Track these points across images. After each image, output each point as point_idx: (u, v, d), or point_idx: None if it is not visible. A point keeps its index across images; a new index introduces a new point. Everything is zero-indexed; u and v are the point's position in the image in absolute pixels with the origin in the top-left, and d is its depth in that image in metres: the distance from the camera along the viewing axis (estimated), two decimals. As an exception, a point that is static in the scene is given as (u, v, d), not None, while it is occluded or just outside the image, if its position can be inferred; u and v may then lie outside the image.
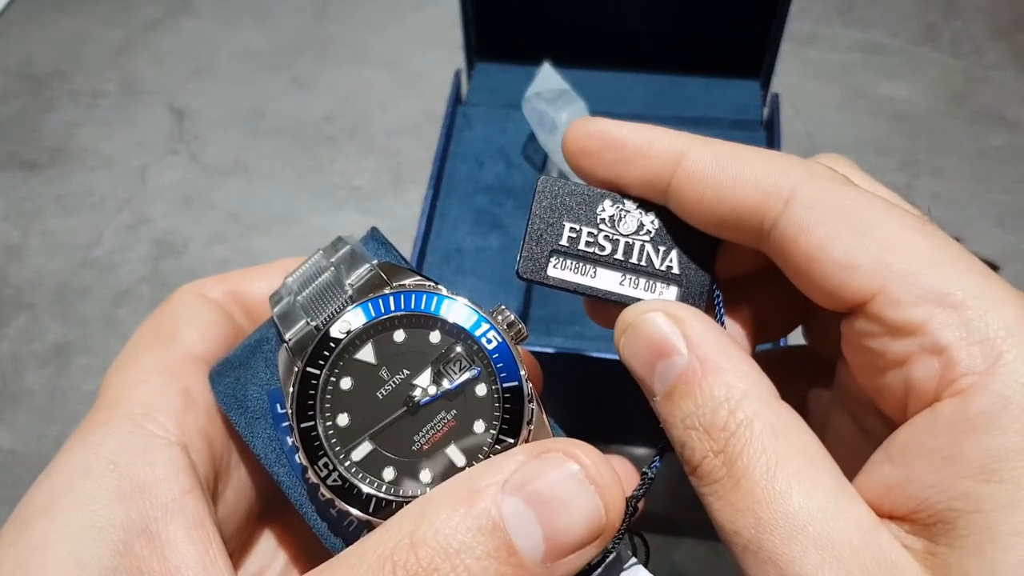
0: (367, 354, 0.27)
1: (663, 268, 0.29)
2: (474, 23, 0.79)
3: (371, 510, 0.26)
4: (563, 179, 0.29)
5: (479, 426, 0.27)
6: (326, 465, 0.26)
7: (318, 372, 0.27)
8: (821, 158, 0.29)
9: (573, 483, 0.24)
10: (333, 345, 0.27)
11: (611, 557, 0.25)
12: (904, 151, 0.98)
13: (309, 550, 0.32)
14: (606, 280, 0.29)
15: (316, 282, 0.29)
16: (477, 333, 0.27)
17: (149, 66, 1.13)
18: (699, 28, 0.80)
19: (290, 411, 0.27)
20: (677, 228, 0.28)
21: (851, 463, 0.24)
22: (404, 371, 0.27)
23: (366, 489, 0.26)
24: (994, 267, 0.82)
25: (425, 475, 0.26)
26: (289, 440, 0.28)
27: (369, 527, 0.26)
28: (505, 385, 0.27)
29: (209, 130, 1.04)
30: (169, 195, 0.97)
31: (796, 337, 0.34)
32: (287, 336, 0.28)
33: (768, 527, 0.22)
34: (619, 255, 0.29)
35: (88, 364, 0.83)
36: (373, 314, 0.27)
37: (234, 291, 0.33)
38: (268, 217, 0.95)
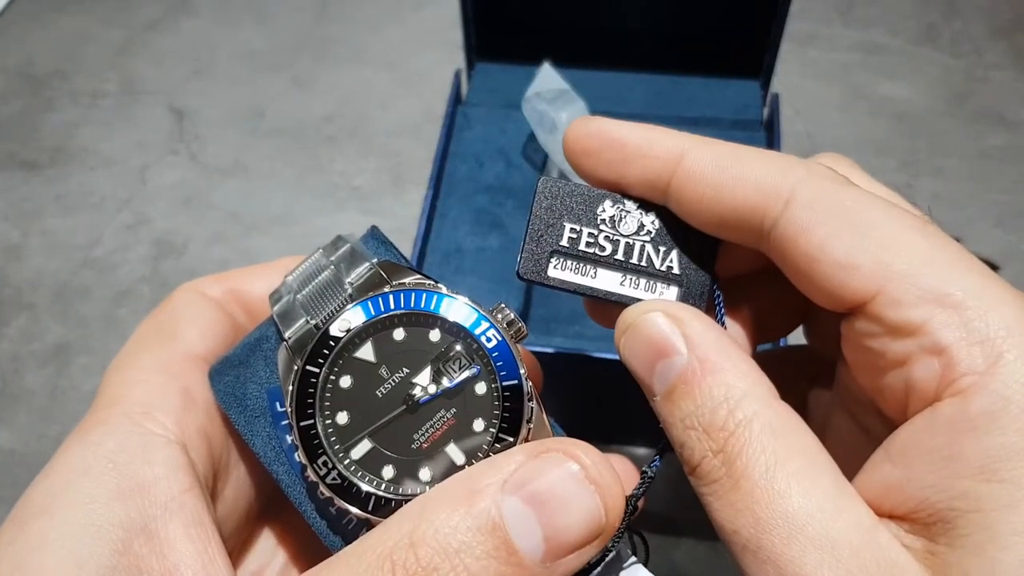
0: (367, 352, 0.27)
1: (663, 268, 0.29)
2: (474, 23, 0.79)
3: (370, 508, 0.26)
4: (563, 180, 0.29)
5: (479, 425, 0.27)
6: (325, 463, 0.26)
7: (317, 370, 0.27)
8: (821, 158, 0.29)
9: (573, 483, 0.24)
10: (333, 343, 0.27)
11: (611, 556, 0.25)
12: (904, 151, 0.98)
13: (308, 548, 0.32)
14: (606, 280, 0.29)
15: (316, 280, 0.29)
16: (477, 332, 0.27)
17: (149, 66, 1.13)
18: (699, 28, 0.80)
19: (289, 409, 0.27)
20: (677, 228, 0.28)
21: (851, 463, 0.24)
22: (404, 369, 0.27)
23: (365, 487, 0.26)
24: (994, 267, 0.82)
25: (424, 474, 0.26)
26: (288, 438, 0.28)
27: (368, 525, 0.26)
28: (505, 384, 0.27)
29: (209, 130, 1.04)
30: (169, 195, 0.97)
31: (796, 337, 0.34)
32: (287, 334, 0.28)
33: (767, 527, 0.22)
34: (619, 255, 0.29)
35: (88, 364, 0.83)
36: (373, 312, 0.27)
37: (234, 290, 0.33)
38: (268, 217, 0.95)
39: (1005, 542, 0.20)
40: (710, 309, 0.29)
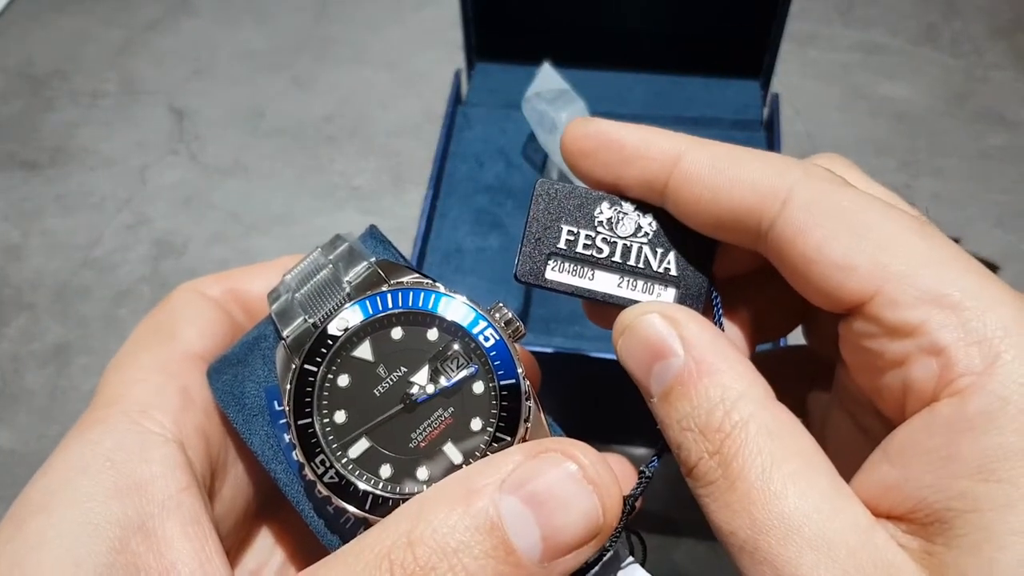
0: (364, 351, 0.27)
1: (661, 270, 0.29)
2: (474, 23, 0.79)
3: (368, 507, 0.26)
4: (561, 182, 0.29)
5: (476, 424, 0.27)
6: (323, 462, 0.26)
7: (315, 369, 0.27)
8: (818, 158, 0.29)
9: (571, 483, 0.24)
10: (331, 342, 0.27)
11: (608, 556, 0.25)
12: (904, 151, 0.98)
13: (306, 547, 0.32)
14: (604, 282, 0.29)
15: (314, 279, 0.29)
16: (475, 331, 0.27)
17: (149, 66, 1.13)
18: (699, 28, 0.80)
19: (287, 408, 0.27)
20: (675, 230, 0.28)
21: (850, 462, 0.24)
22: (401, 368, 0.27)
23: (363, 486, 0.26)
24: (994, 267, 0.82)
25: (422, 472, 0.26)
26: (286, 437, 0.28)
27: (366, 524, 0.26)
28: (502, 383, 0.27)
29: (209, 130, 1.04)
30: (169, 195, 0.97)
31: (796, 337, 0.34)
32: (285, 333, 0.28)
33: (764, 528, 0.22)
34: (617, 257, 0.29)
35: (88, 364, 0.83)
36: (371, 311, 0.27)
37: (233, 289, 0.33)
38: (268, 217, 0.95)
39: (1002, 542, 0.20)
40: (708, 310, 0.29)
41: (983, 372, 0.21)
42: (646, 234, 0.29)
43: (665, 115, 0.78)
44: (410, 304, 0.28)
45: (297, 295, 0.29)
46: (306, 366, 0.27)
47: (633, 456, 0.72)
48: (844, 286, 0.24)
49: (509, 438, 0.26)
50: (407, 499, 0.25)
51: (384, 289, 0.28)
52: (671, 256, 0.29)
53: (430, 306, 0.28)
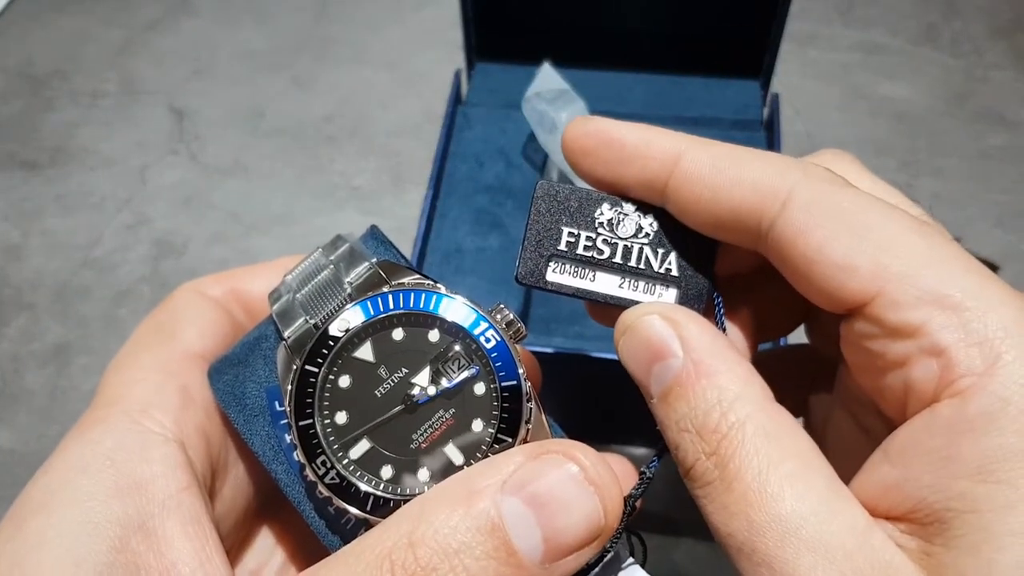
0: (366, 352, 0.27)
1: (662, 271, 0.29)
2: (474, 23, 0.79)
3: (369, 508, 0.26)
4: (561, 184, 0.29)
5: (477, 425, 0.27)
6: (324, 463, 0.26)
7: (316, 370, 0.27)
8: (823, 153, 0.29)
9: (572, 484, 0.24)
10: (332, 343, 0.27)
11: (609, 557, 0.25)
12: (904, 151, 0.98)
13: (307, 547, 0.32)
14: (605, 283, 0.29)
15: (315, 280, 0.29)
16: (476, 332, 0.27)
17: (149, 66, 1.13)
18: (699, 28, 0.80)
19: (288, 409, 0.27)
20: (675, 230, 0.28)
21: (851, 462, 0.24)
22: (402, 369, 0.27)
23: (364, 487, 0.26)
24: (994, 267, 0.82)
25: (423, 473, 0.26)
26: (287, 437, 0.28)
27: (367, 525, 0.26)
28: (503, 384, 0.27)
29: (209, 130, 1.04)
30: (169, 195, 0.97)
31: (798, 336, 0.34)
32: (286, 334, 0.28)
33: (761, 530, 0.22)
34: (618, 259, 0.29)
35: (88, 364, 0.83)
36: (372, 312, 0.27)
37: (234, 289, 0.33)
38: (268, 217, 0.95)
39: (1001, 543, 0.20)
40: (709, 310, 0.29)
41: (984, 373, 0.21)
42: (647, 235, 0.29)
43: (665, 115, 0.78)
44: (411, 305, 0.28)
45: (298, 296, 0.29)
46: (307, 367, 0.27)
47: (633, 456, 0.72)
48: (845, 287, 0.24)
49: (510, 439, 0.26)
50: (408, 500, 0.25)
51: (385, 290, 0.28)
52: (672, 257, 0.29)
53: (431, 307, 0.28)
